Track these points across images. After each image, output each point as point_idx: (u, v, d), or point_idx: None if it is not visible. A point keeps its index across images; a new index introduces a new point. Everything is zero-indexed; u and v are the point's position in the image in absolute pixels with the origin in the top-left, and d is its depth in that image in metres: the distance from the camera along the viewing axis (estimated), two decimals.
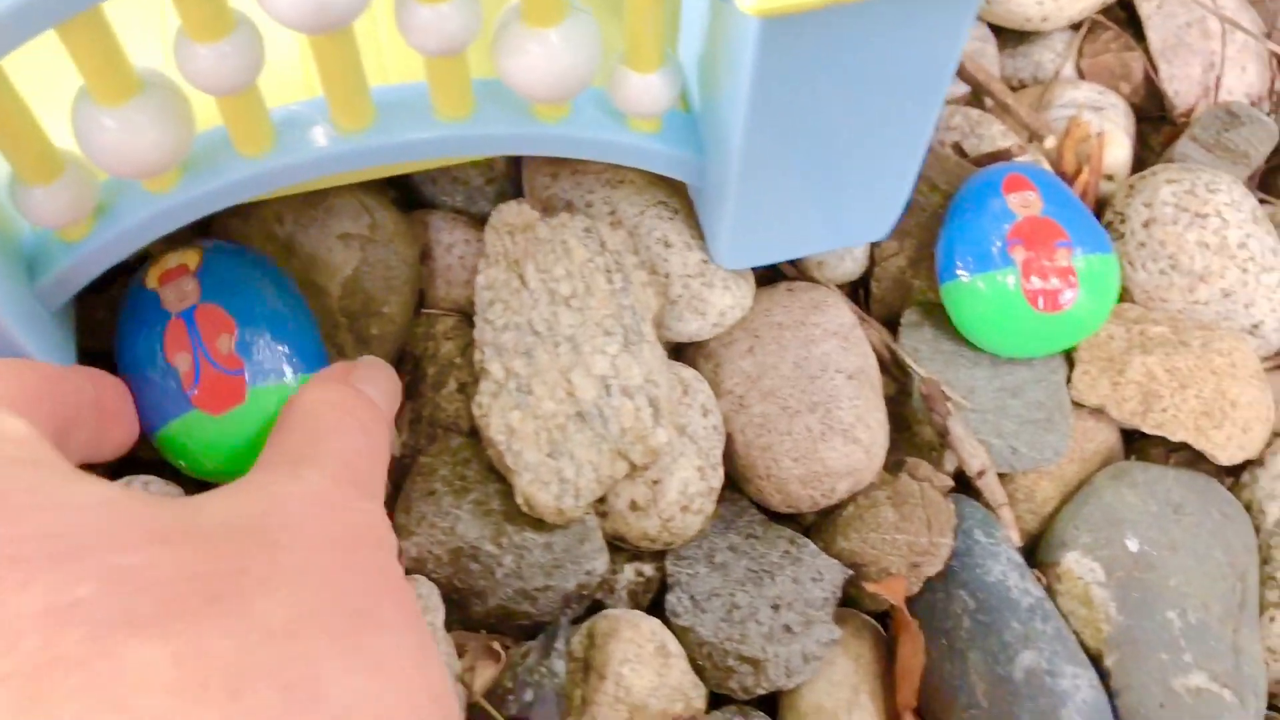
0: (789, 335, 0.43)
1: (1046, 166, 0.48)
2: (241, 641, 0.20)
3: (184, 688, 0.18)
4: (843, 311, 0.44)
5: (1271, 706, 0.40)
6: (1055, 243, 0.42)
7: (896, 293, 0.47)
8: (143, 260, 0.42)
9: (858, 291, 0.48)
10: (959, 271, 0.43)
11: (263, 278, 0.39)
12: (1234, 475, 0.44)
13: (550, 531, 0.39)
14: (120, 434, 0.35)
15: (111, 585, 0.19)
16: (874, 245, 0.47)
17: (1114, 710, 0.38)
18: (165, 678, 0.18)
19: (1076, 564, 0.40)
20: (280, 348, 0.37)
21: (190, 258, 0.38)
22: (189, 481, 0.38)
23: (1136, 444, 0.46)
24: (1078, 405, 0.44)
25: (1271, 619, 0.40)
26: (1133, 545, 0.40)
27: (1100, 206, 0.48)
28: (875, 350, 0.45)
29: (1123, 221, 0.46)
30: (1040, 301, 0.42)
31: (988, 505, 0.42)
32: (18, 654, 0.18)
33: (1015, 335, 0.43)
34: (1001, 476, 0.43)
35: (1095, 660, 0.39)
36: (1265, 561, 0.41)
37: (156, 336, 0.37)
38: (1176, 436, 0.42)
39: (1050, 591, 0.40)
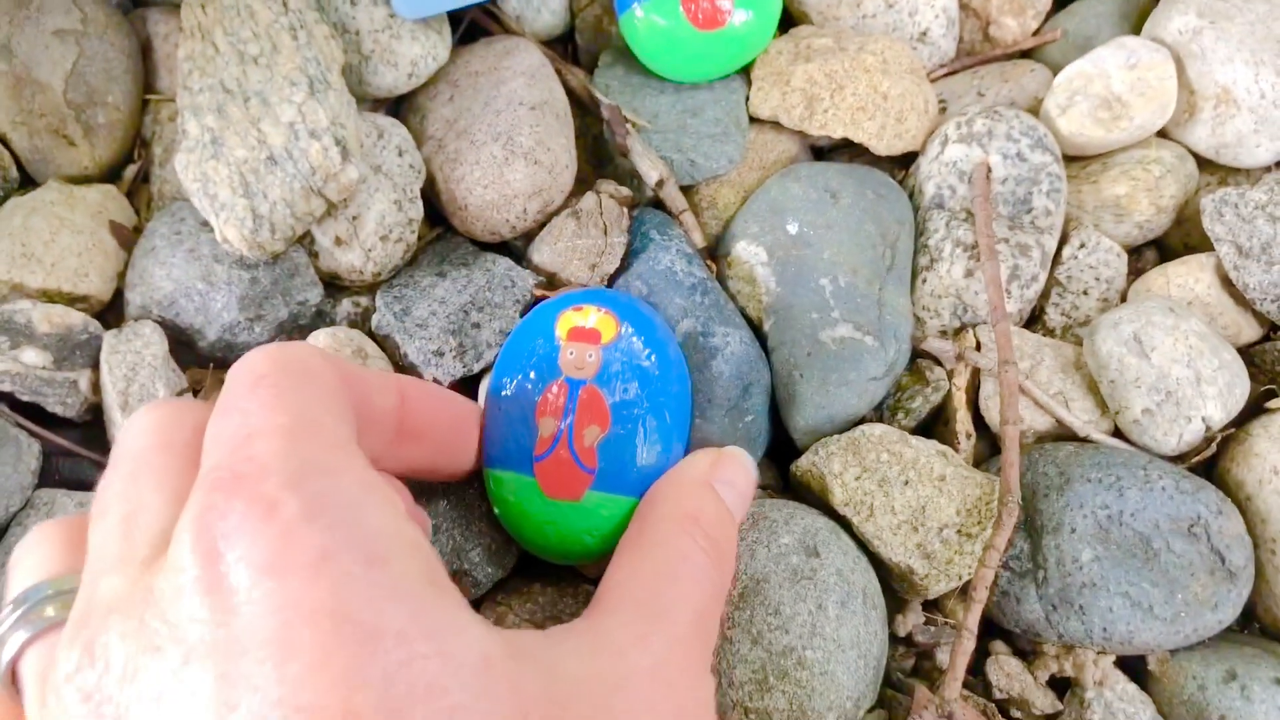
0: (483, 80, 0.47)
1: None
2: None
3: None
4: (532, 55, 0.47)
5: (917, 354, 0.44)
6: None
7: (597, 41, 0.50)
8: None
9: (567, 45, 0.51)
10: (631, 4, 0.46)
11: (664, 380, 0.37)
12: (906, 168, 0.49)
13: (256, 267, 0.43)
14: (425, 456, 0.34)
15: None
16: None
17: (770, 364, 0.43)
18: None
19: (744, 250, 0.44)
20: (641, 467, 0.36)
21: (608, 326, 0.37)
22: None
23: (828, 157, 0.50)
24: (757, 121, 0.48)
25: (923, 280, 0.45)
26: (792, 229, 0.44)
27: None
28: (576, 93, 0.49)
29: None
30: (700, 18, 0.45)
31: (669, 213, 0.46)
32: None
33: (683, 57, 0.46)
34: (686, 189, 0.47)
35: (757, 327, 0.43)
36: (921, 233, 0.46)
37: (537, 388, 0.36)
38: (836, 133, 0.46)
39: (724, 277, 0.45)
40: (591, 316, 0.37)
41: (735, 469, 0.35)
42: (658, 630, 0.27)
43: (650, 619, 0.28)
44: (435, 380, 0.41)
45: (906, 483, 0.40)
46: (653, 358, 0.37)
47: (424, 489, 0.39)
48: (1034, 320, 0.46)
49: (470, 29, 0.50)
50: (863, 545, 0.40)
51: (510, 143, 0.44)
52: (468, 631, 0.22)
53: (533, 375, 0.37)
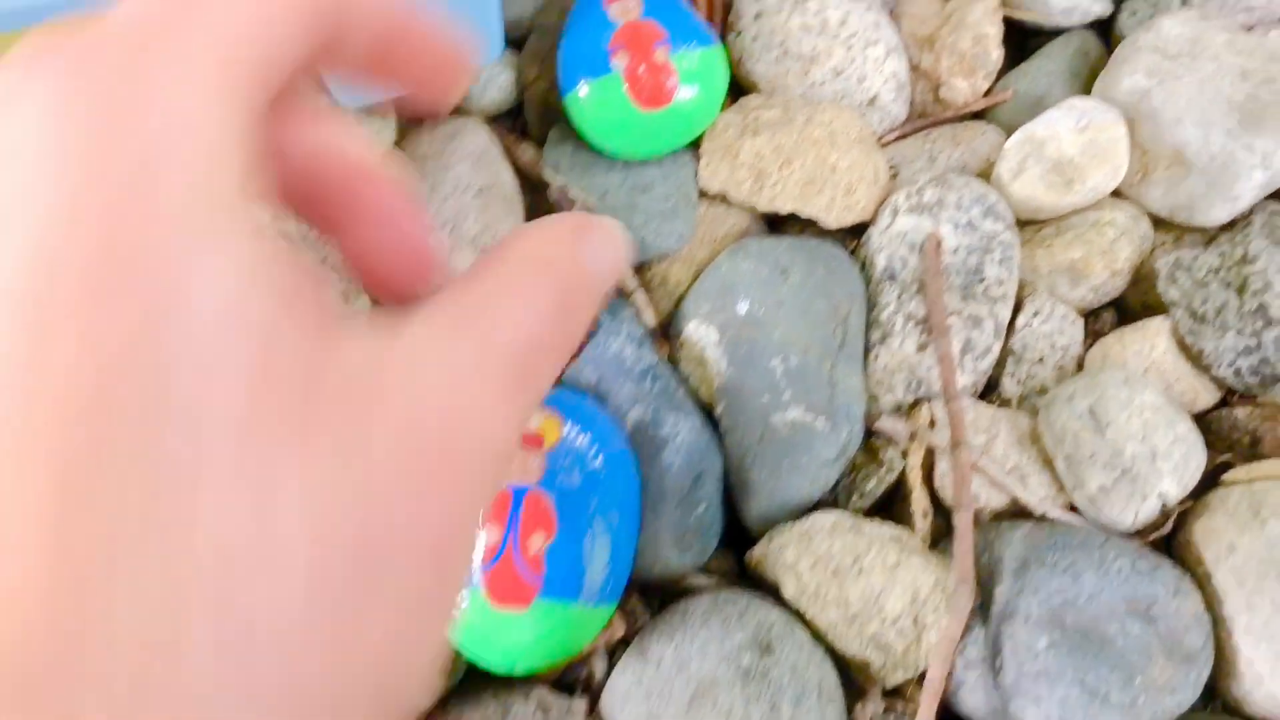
0: (429, 165, 0.46)
1: None
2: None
3: None
4: (479, 136, 0.47)
5: (872, 431, 0.44)
6: (654, 43, 0.45)
7: (546, 116, 0.50)
8: None
9: (516, 120, 0.51)
10: (575, 84, 0.46)
11: (611, 480, 0.36)
12: (859, 236, 0.48)
13: None
14: (400, 87, 0.24)
15: None
16: (520, 74, 0.50)
17: (723, 449, 0.42)
18: None
19: (695, 331, 0.44)
20: (589, 573, 0.35)
21: (551, 429, 0.37)
22: None
23: (781, 227, 0.49)
24: (707, 195, 0.47)
25: (876, 355, 0.44)
26: (743, 308, 0.44)
27: (729, 11, 0.51)
28: (526, 170, 0.48)
29: (738, 19, 0.49)
30: (644, 97, 0.45)
31: (621, 292, 0.46)
32: None
33: (629, 135, 0.46)
34: (638, 268, 0.46)
35: (709, 409, 0.43)
36: (872, 307, 0.45)
37: None
38: (786, 208, 0.46)
39: (676, 359, 0.44)
40: (534, 419, 0.37)
41: (608, 243, 0.26)
42: (473, 341, 0.20)
43: (468, 328, 0.21)
44: None
45: (860, 572, 0.39)
46: (599, 458, 0.37)
47: None
48: (990, 389, 0.46)
49: (411, 112, 0.49)
50: (820, 635, 0.40)
51: (456, 230, 0.44)
52: (225, 265, 0.16)
53: None
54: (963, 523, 0.39)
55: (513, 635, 0.36)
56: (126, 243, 0.15)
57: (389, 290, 0.23)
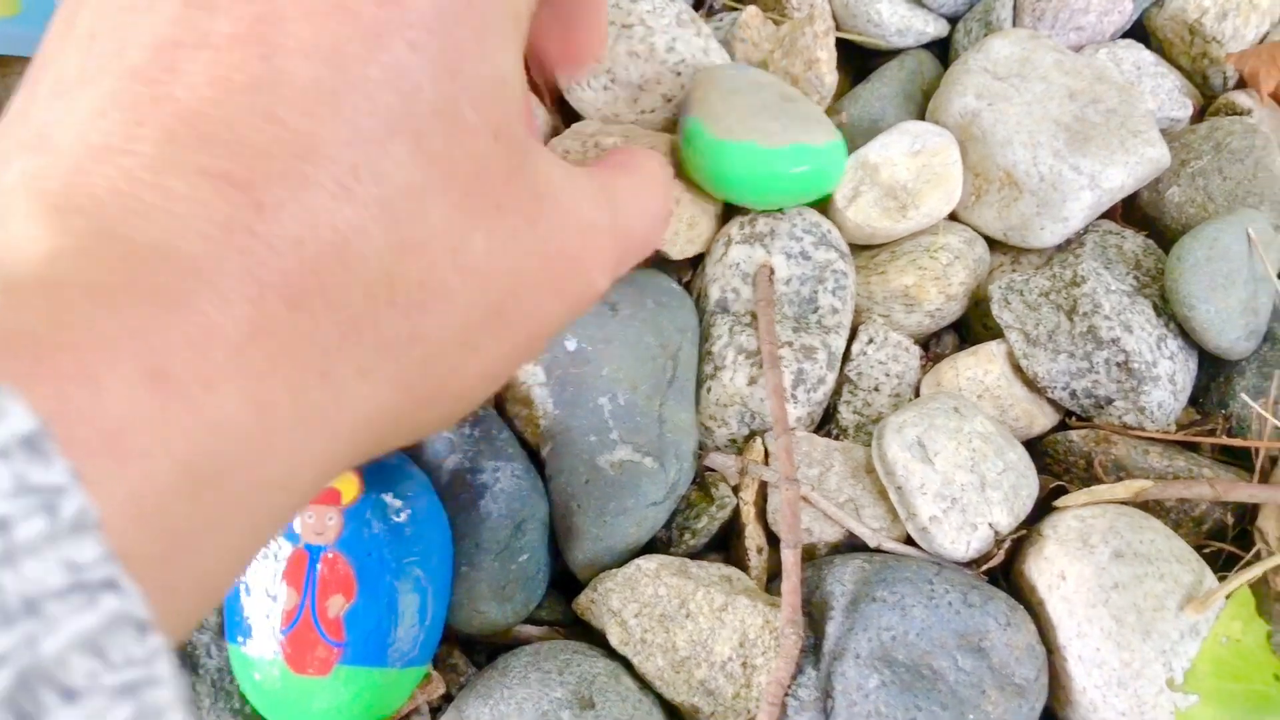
0: None
1: None
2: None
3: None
4: None
5: (707, 469, 0.43)
6: None
7: None
8: None
9: None
10: None
11: (417, 536, 0.35)
12: (696, 267, 0.47)
13: None
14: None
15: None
16: None
17: (548, 493, 0.41)
18: None
19: (521, 371, 0.42)
20: (395, 635, 0.34)
21: (348, 486, 0.34)
22: None
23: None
24: None
25: (708, 389, 0.43)
26: (570, 345, 0.42)
27: None
28: None
29: None
30: None
31: None
32: None
33: None
34: None
35: (535, 452, 0.41)
36: (705, 339, 0.44)
37: (278, 555, 0.34)
38: None
39: (503, 400, 0.43)
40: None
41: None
42: (609, 214, 0.26)
43: (609, 202, 0.26)
44: None
45: (687, 615, 0.38)
46: (404, 513, 0.35)
47: None
48: (828, 419, 0.45)
49: None
50: (648, 683, 0.38)
51: None
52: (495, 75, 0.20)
53: (272, 541, 0.35)
54: (790, 560, 0.38)
55: (316, 703, 0.34)
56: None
57: (565, 56, 0.29)
